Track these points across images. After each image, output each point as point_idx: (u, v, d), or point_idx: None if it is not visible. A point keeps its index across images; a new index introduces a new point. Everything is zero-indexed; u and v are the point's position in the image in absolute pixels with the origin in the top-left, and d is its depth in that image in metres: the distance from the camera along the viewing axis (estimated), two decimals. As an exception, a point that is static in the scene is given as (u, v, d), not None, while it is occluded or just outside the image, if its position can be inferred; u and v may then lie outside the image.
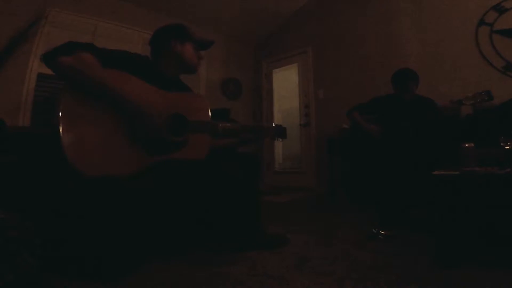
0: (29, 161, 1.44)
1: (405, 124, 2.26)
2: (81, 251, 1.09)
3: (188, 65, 1.50)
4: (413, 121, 2.25)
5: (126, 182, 1.17)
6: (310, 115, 4.35)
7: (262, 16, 4.46)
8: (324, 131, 4.02)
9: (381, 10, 3.68)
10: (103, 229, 1.13)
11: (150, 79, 1.29)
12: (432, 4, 3.25)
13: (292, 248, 1.47)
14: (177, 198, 1.36)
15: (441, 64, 3.11)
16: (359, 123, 2.52)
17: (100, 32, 3.32)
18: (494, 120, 2.16)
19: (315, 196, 3.65)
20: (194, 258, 1.32)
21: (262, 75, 5.06)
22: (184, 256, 1.34)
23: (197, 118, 1.37)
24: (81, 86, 1.12)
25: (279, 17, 4.62)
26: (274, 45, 4.93)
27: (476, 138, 1.60)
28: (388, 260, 1.27)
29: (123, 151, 1.17)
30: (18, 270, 0.94)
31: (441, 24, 3.16)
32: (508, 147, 1.41)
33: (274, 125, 1.74)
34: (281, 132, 1.74)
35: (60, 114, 1.06)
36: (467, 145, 1.45)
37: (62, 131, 1.04)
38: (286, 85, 4.87)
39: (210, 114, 1.42)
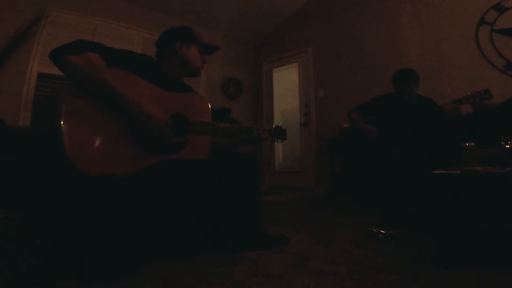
0: (30, 160, 1.44)
1: (405, 124, 2.26)
2: (81, 251, 1.09)
3: (192, 68, 1.51)
4: (413, 121, 2.25)
5: (127, 181, 1.17)
6: (310, 114, 4.35)
7: (263, 16, 4.46)
8: (324, 130, 4.03)
9: (381, 9, 3.68)
10: (103, 228, 1.13)
11: (154, 79, 1.30)
12: (432, 3, 3.25)
13: (292, 248, 1.47)
14: (177, 198, 1.36)
15: (441, 64, 3.11)
16: (356, 123, 2.52)
17: (100, 31, 3.32)
18: (495, 119, 2.15)
19: (315, 195, 3.65)
20: (194, 258, 1.32)
21: (263, 75, 5.06)
22: (184, 256, 1.34)
23: (199, 118, 1.37)
24: (85, 85, 1.12)
25: (280, 17, 4.62)
26: (274, 44, 4.93)
27: (477, 137, 1.60)
28: (388, 259, 1.27)
29: (125, 151, 1.17)
30: (18, 270, 0.94)
31: (441, 24, 3.16)
32: (508, 146, 1.41)
33: (274, 127, 1.74)
34: (281, 133, 1.75)
35: (63, 113, 1.06)
36: (467, 144, 1.45)
37: (64, 130, 1.05)
38: (286, 85, 4.86)
39: (211, 115, 1.43)
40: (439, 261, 1.19)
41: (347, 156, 3.10)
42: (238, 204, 1.39)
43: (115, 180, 1.14)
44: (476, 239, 1.20)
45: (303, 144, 4.46)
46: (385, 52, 3.58)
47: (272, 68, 5.00)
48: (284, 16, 4.62)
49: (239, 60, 4.90)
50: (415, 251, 1.36)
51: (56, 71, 1.16)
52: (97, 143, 1.12)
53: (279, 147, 4.85)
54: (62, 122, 1.05)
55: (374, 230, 1.62)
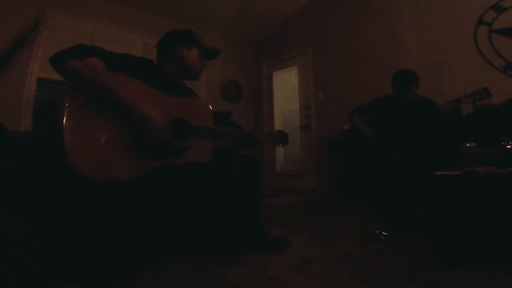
0: (32, 165, 1.44)
1: (404, 124, 2.26)
2: (83, 254, 1.09)
3: (191, 70, 1.51)
4: (413, 121, 2.25)
5: (128, 185, 1.17)
6: (310, 117, 4.35)
7: (262, 18, 4.48)
8: (325, 132, 4.02)
9: (380, 11, 3.69)
10: (105, 231, 1.13)
11: (155, 83, 1.30)
12: (431, 4, 3.25)
13: (294, 249, 1.47)
14: (178, 201, 1.36)
15: (440, 64, 3.11)
16: (356, 126, 2.52)
17: (99, 35, 3.33)
18: (495, 119, 2.15)
19: (316, 197, 3.65)
20: (195, 260, 1.32)
21: (262, 77, 5.07)
22: (185, 258, 1.34)
23: (200, 122, 1.37)
24: (86, 90, 1.12)
25: (279, 19, 4.63)
26: (274, 47, 4.94)
27: (477, 137, 1.60)
28: (389, 260, 1.27)
29: (126, 156, 1.18)
30: (20, 274, 0.94)
31: (440, 24, 3.16)
32: (509, 147, 1.41)
33: (276, 131, 1.74)
34: (283, 138, 1.75)
35: (64, 118, 1.06)
36: (468, 145, 1.45)
37: (65, 134, 1.05)
38: (286, 87, 4.87)
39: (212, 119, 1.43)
40: (440, 262, 1.19)
41: (347, 158, 3.10)
42: (239, 206, 1.39)
43: (117, 184, 1.14)
44: (477, 240, 1.20)
45: (303, 146, 4.45)
46: (385, 53, 3.59)
47: (272, 70, 5.01)
48: (284, 18, 4.62)
49: (239, 63, 4.91)
50: (416, 251, 1.36)
51: (55, 76, 1.16)
52: (99, 147, 1.12)
53: (280, 149, 4.84)
54: (63, 127, 1.05)
55: (376, 231, 1.62)
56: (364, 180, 2.70)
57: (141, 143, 1.20)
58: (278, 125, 4.80)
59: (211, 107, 1.47)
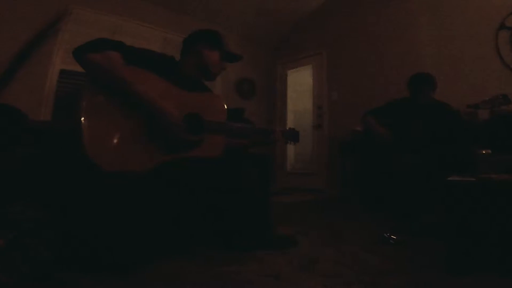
0: (50, 154, 1.49)
1: (419, 128, 2.23)
2: (95, 245, 1.11)
3: (209, 71, 1.53)
4: (428, 125, 2.22)
5: (142, 178, 1.20)
6: (323, 116, 4.33)
7: (278, 17, 4.46)
8: (337, 133, 4.00)
9: (398, 13, 3.63)
10: (117, 223, 1.16)
11: (172, 79, 1.33)
12: (451, 7, 3.18)
13: (301, 249, 1.47)
14: (189, 195, 1.39)
15: (459, 68, 3.04)
16: (371, 127, 2.49)
17: (121, 30, 3.39)
18: (513, 126, 2.10)
19: (326, 198, 3.64)
20: (203, 256, 1.34)
21: (276, 76, 5.06)
22: (193, 254, 1.36)
23: (214, 118, 1.40)
24: (104, 82, 1.16)
25: (295, 19, 4.61)
26: (289, 46, 4.93)
27: (494, 144, 1.57)
28: (398, 265, 1.26)
29: (141, 148, 1.21)
30: (32, 263, 0.96)
31: (460, 28, 3.09)
32: (526, 155, 1.37)
33: (288, 129, 1.75)
34: (294, 136, 1.76)
35: (82, 109, 1.10)
36: (484, 151, 1.43)
37: (83, 126, 1.08)
38: (300, 86, 4.85)
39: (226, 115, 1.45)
40: (450, 268, 1.17)
41: (359, 159, 3.08)
42: (250, 204, 1.41)
43: (132, 176, 1.18)
44: (490, 247, 1.18)
45: (315, 146, 4.44)
46: (401, 56, 3.53)
47: (286, 69, 5.00)
48: (300, 18, 4.60)
49: (254, 61, 4.90)
50: (426, 257, 1.35)
51: (77, 67, 1.20)
52: (114, 139, 1.15)
53: (291, 148, 4.83)
54: (82, 118, 1.08)
55: (385, 235, 1.60)
56: (375, 182, 2.67)
57: (156, 136, 1.23)
58: (290, 124, 4.78)
59: (224, 104, 1.48)
